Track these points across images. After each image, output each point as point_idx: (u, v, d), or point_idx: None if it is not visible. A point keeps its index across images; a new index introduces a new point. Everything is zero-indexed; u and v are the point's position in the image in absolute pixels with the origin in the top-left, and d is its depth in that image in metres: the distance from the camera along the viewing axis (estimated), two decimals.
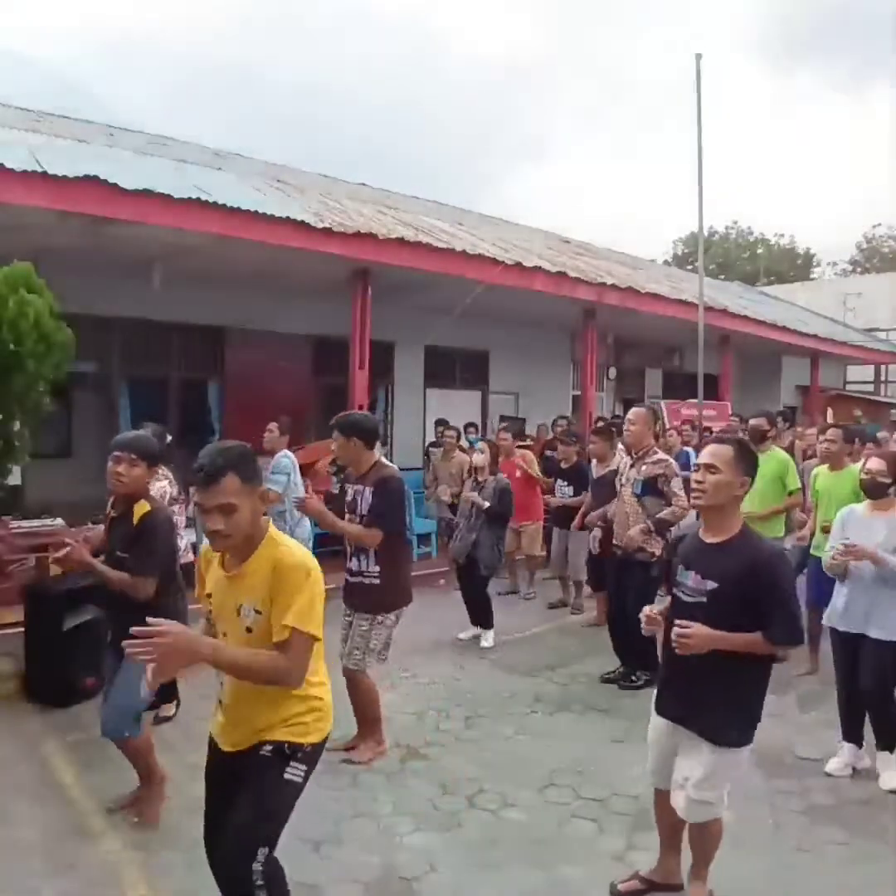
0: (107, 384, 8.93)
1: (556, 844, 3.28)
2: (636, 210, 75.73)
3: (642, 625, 2.84)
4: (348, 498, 4.09)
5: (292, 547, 2.25)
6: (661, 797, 2.88)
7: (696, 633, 2.56)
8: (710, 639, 2.56)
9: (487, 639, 6.07)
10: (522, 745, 4.29)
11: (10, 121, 8.74)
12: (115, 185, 6.01)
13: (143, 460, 3.37)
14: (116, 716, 3.32)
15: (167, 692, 4.38)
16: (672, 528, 5.01)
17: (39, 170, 5.78)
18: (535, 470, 7.65)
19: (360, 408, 8.19)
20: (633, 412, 5.22)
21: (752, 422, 6.08)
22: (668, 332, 12.88)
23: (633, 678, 5.12)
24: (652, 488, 5.03)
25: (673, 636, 2.59)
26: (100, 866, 3.07)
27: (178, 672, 2.15)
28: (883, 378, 21.36)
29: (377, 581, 3.96)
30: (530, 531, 7.48)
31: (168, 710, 4.51)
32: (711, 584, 2.62)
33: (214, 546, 2.23)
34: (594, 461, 6.62)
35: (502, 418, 11.13)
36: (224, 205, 6.65)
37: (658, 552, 5.00)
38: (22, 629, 4.90)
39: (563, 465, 7.22)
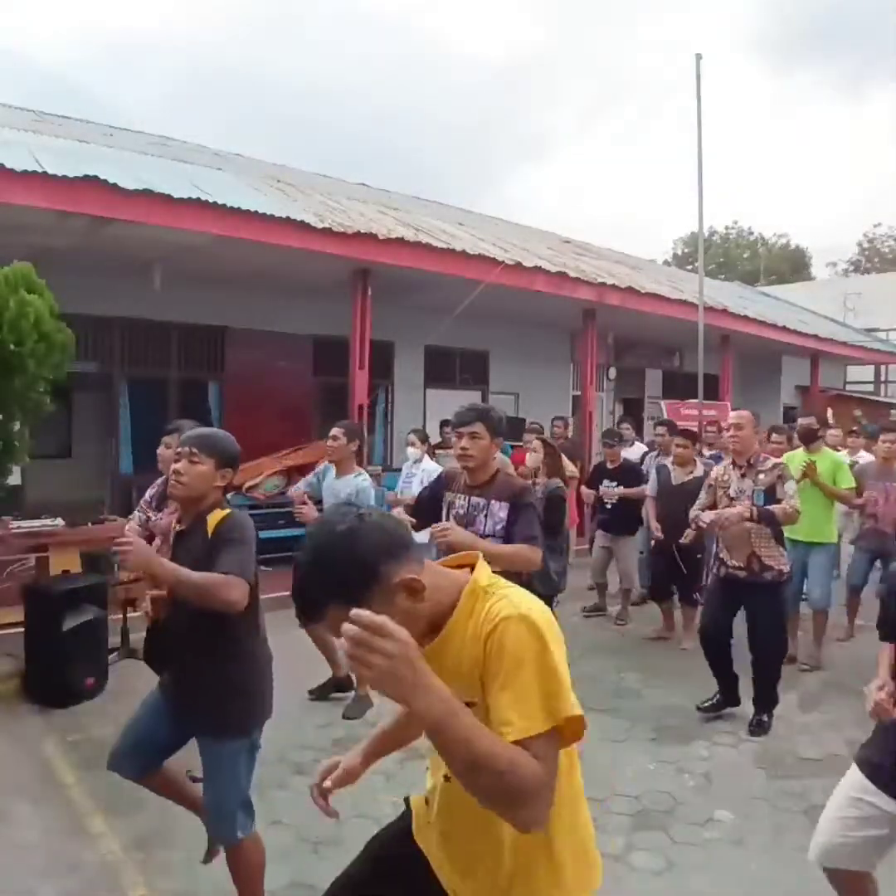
0: (107, 384, 8.93)
1: None
2: (636, 210, 75.91)
3: (870, 710, 2.26)
4: (459, 511, 3.24)
5: (514, 599, 1.37)
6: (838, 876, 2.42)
7: None
8: None
9: None
10: None
11: (10, 121, 8.75)
12: (115, 185, 6.01)
13: (209, 458, 2.58)
14: (225, 813, 2.55)
15: None
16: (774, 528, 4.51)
17: (39, 170, 5.79)
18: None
19: (360, 408, 8.20)
20: (739, 415, 4.70)
21: (802, 421, 6.08)
22: (668, 332, 12.88)
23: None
24: (772, 498, 4.48)
25: None
26: (100, 866, 3.07)
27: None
28: (883, 378, 21.36)
29: None
30: None
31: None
32: None
33: None
34: (673, 465, 6.25)
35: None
36: (224, 205, 6.65)
37: (787, 569, 4.59)
38: (22, 629, 4.90)
39: (610, 466, 6.97)
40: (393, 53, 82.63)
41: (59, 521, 5.85)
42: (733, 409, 6.12)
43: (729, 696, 4.72)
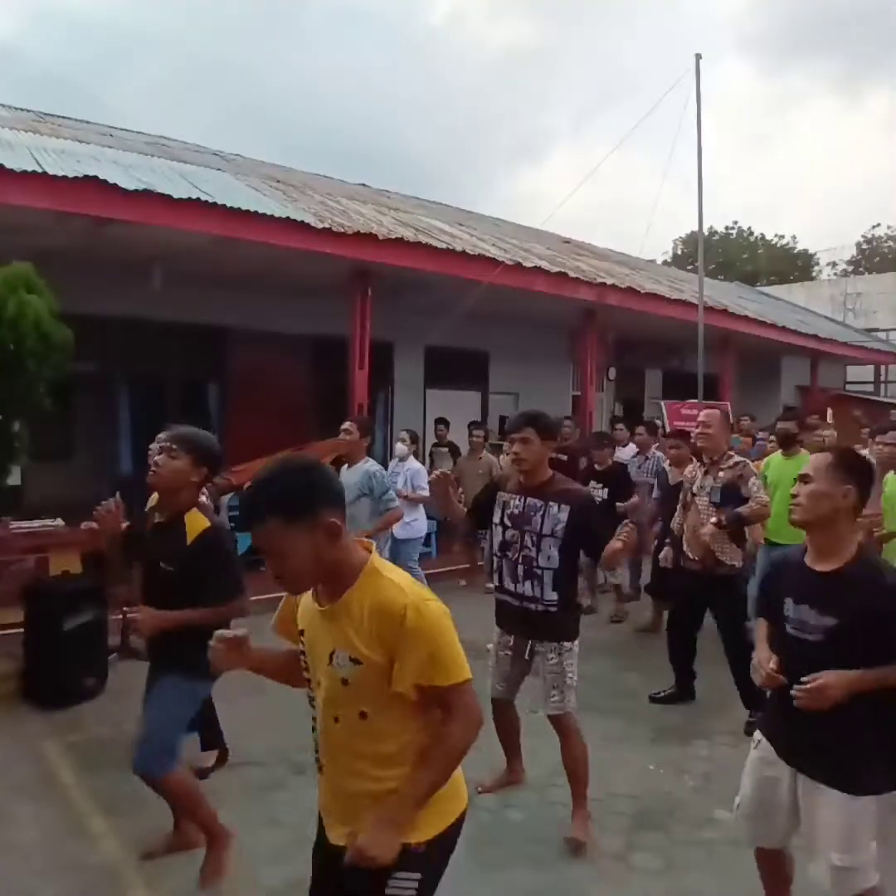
0: (107, 384, 8.92)
1: (556, 844, 3.28)
2: (636, 210, 75.81)
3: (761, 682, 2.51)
4: (513, 510, 3.40)
5: (399, 582, 1.72)
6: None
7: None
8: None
9: None
10: (523, 746, 4.28)
11: (10, 121, 8.74)
12: (115, 185, 6.01)
13: (187, 454, 2.77)
14: (147, 750, 2.82)
15: (210, 739, 3.77)
16: (747, 528, 4.76)
17: (39, 170, 5.79)
18: None
19: (360, 408, 8.19)
20: (709, 415, 4.86)
21: (780, 425, 6.01)
22: (668, 332, 12.87)
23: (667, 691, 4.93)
24: (731, 495, 4.61)
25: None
26: (100, 866, 3.07)
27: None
28: (883, 378, 21.35)
29: (555, 608, 3.37)
30: None
31: (207, 760, 3.75)
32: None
33: (283, 589, 1.81)
34: (671, 467, 6.38)
35: (503, 419, 11.12)
36: (224, 205, 6.65)
37: (739, 564, 4.71)
38: (22, 629, 4.90)
39: (598, 468, 6.95)
40: (392, 53, 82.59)
41: (59, 522, 5.85)
42: (749, 414, 6.19)
43: (683, 689, 4.92)
